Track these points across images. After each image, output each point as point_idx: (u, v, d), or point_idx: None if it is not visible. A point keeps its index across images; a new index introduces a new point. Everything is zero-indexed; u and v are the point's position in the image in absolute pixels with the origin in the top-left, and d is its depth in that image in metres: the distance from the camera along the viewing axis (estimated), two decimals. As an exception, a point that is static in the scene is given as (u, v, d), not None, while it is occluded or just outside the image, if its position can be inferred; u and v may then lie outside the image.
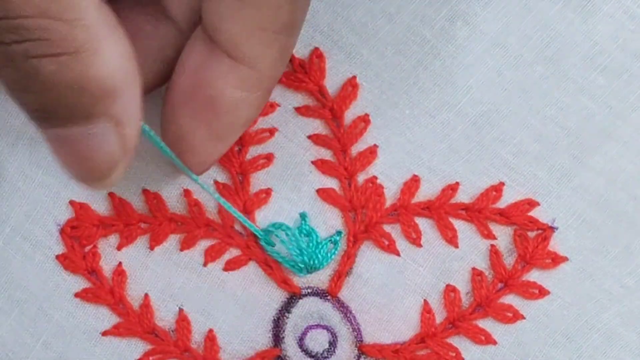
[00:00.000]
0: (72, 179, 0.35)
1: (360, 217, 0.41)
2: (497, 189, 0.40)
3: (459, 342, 0.41)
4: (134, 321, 0.42)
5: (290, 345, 0.41)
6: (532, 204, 0.40)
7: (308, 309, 0.41)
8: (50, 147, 0.34)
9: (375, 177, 0.40)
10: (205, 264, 0.41)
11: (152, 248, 0.41)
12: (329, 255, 0.41)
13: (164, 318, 0.42)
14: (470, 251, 0.40)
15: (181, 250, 0.41)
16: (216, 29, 0.34)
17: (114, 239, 0.42)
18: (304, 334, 0.41)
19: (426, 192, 0.40)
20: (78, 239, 0.41)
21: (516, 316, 0.40)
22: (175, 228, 0.41)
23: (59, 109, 0.31)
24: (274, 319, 0.41)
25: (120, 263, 0.42)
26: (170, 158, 0.37)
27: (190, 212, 0.41)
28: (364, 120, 0.40)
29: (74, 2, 0.30)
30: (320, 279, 0.41)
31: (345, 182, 0.41)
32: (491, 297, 0.40)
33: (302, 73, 0.40)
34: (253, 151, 0.41)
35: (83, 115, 0.32)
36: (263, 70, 0.34)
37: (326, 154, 0.41)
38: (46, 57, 0.30)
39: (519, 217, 0.40)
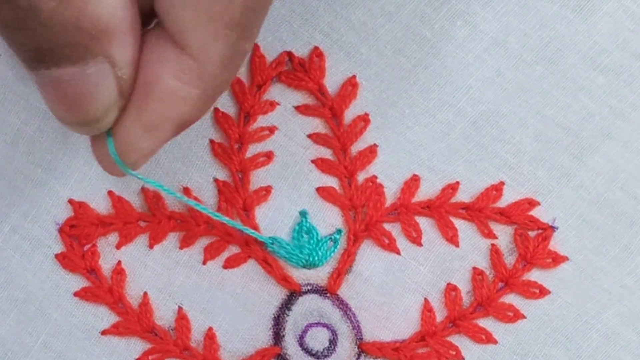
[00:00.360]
0: (63, 124, 0.34)
1: (360, 215, 0.41)
2: (497, 189, 0.40)
3: (459, 341, 0.41)
4: (133, 320, 0.41)
5: (290, 343, 0.41)
6: (532, 203, 0.40)
7: (308, 306, 0.41)
8: (42, 89, 0.33)
9: (375, 176, 0.40)
10: (204, 262, 0.41)
11: (151, 246, 0.41)
12: (328, 252, 0.40)
13: (164, 317, 0.42)
14: (470, 250, 0.41)
15: (180, 248, 0.41)
16: (165, 13, 0.32)
17: (113, 238, 0.41)
18: (304, 332, 0.41)
19: (426, 191, 0.40)
20: (77, 238, 0.41)
21: (517, 315, 0.40)
22: (174, 226, 0.41)
23: (55, 49, 0.31)
24: (274, 317, 0.41)
25: (119, 262, 0.41)
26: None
27: (190, 210, 0.41)
28: (364, 119, 0.40)
29: None
30: (320, 275, 0.41)
31: (345, 181, 0.41)
32: (492, 296, 0.40)
33: (302, 72, 0.40)
34: (253, 149, 0.41)
35: (79, 55, 0.31)
36: (207, 65, 0.32)
37: (326, 153, 0.41)
38: None
39: (520, 216, 0.40)
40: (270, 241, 0.40)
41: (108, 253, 0.42)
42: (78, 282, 0.42)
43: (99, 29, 0.31)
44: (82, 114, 0.33)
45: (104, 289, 0.41)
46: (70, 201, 0.41)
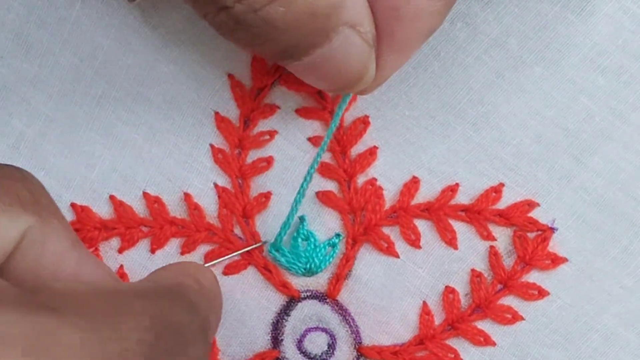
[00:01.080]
0: (329, 91, 0.37)
1: (359, 219, 0.41)
2: (496, 190, 0.40)
3: (458, 344, 0.41)
4: (135, 323, 0.42)
5: (288, 347, 0.42)
6: (531, 204, 0.40)
7: (307, 311, 0.41)
8: (299, 75, 0.35)
9: (374, 179, 0.40)
10: (205, 268, 0.41)
11: (153, 251, 0.41)
12: (327, 258, 0.41)
13: (165, 320, 0.42)
14: (469, 252, 0.41)
15: (182, 254, 0.41)
16: None
17: (115, 242, 0.42)
18: (303, 336, 0.41)
19: (426, 193, 0.40)
20: (80, 242, 0.42)
21: (515, 317, 0.40)
22: (175, 232, 0.41)
23: (298, 44, 0.32)
24: (273, 322, 0.41)
25: (121, 266, 0.42)
26: None
27: (191, 215, 0.41)
28: (364, 121, 0.40)
29: None
30: (319, 282, 0.41)
31: (344, 184, 0.41)
32: (490, 298, 0.40)
33: (302, 75, 0.40)
34: (253, 154, 0.41)
35: (321, 38, 0.32)
36: None
37: (326, 156, 0.41)
38: (270, 3, 0.30)
39: (519, 218, 0.40)
40: (273, 250, 0.41)
41: (110, 257, 0.42)
42: (81, 285, 0.42)
43: (329, 6, 0.31)
44: (345, 80, 0.34)
45: (106, 292, 0.42)
46: (73, 205, 0.41)
